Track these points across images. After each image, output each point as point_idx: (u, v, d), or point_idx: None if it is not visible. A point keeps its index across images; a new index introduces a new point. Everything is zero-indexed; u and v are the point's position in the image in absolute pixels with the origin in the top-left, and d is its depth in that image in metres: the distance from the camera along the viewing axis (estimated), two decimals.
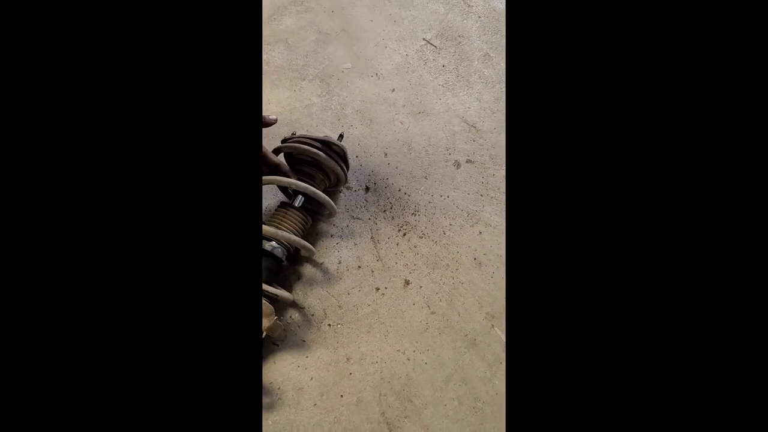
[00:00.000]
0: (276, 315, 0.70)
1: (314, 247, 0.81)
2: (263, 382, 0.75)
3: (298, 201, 0.81)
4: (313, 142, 0.77)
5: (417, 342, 0.79)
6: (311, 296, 0.82)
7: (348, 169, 0.85)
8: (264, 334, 0.69)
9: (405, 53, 1.11)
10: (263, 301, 0.69)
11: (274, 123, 0.76)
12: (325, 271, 0.85)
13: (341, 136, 0.87)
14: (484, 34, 1.15)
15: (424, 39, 1.14)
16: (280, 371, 0.76)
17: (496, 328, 0.81)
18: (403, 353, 0.78)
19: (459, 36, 1.15)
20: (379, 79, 1.07)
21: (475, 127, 1.02)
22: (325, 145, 0.78)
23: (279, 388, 0.75)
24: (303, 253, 0.82)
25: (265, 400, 0.74)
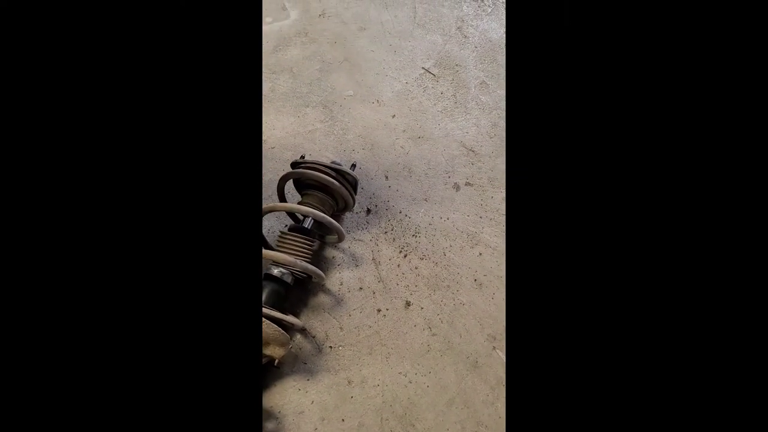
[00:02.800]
0: (291, 344, 0.70)
1: (317, 269, 0.82)
2: (264, 406, 0.74)
3: (308, 222, 0.82)
4: (328, 170, 0.79)
5: (418, 364, 0.79)
6: (313, 318, 0.83)
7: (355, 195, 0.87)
8: (276, 362, 0.69)
9: (405, 81, 1.16)
10: (280, 331, 0.68)
11: None
12: (327, 293, 0.85)
13: (354, 166, 0.90)
14: (481, 63, 1.20)
15: (423, 68, 1.19)
16: (280, 394, 0.75)
17: (497, 350, 0.81)
18: (405, 376, 0.78)
19: (456, 65, 1.20)
20: (380, 105, 1.11)
21: (473, 151, 1.05)
22: (340, 174, 0.80)
23: (279, 413, 0.74)
24: (315, 279, 0.82)
25: (266, 425, 0.73)
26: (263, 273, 0.78)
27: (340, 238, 0.84)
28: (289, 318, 0.72)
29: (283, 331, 0.69)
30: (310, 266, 0.75)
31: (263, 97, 1.10)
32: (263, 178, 0.96)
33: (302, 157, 0.84)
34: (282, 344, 0.68)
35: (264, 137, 1.04)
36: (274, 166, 0.99)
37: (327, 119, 1.08)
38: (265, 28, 1.25)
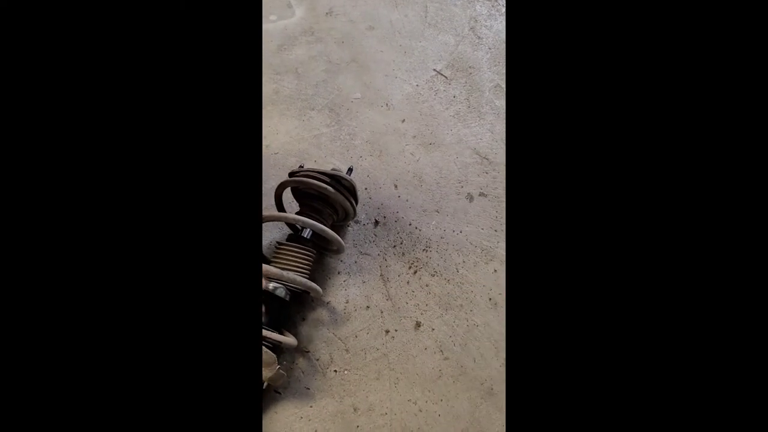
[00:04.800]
0: (278, 363, 0.65)
1: (321, 284, 0.76)
2: None
3: (306, 233, 0.77)
4: (322, 177, 0.74)
5: (429, 391, 0.73)
6: (316, 339, 0.77)
7: (357, 203, 0.82)
8: (265, 384, 0.64)
9: (415, 84, 1.10)
10: (264, 350, 0.64)
11: None
12: (332, 311, 0.80)
13: (350, 170, 0.84)
14: (495, 66, 1.14)
15: (434, 70, 1.13)
16: (281, 423, 0.70)
17: None
18: (415, 403, 0.72)
19: (470, 67, 1.14)
20: (389, 109, 1.06)
21: (487, 158, 0.99)
22: (334, 179, 0.75)
23: None
24: (312, 294, 0.77)
25: None
26: None
27: (340, 250, 0.78)
28: (275, 336, 0.66)
29: (267, 350, 0.64)
30: (304, 280, 0.70)
31: (266, 99, 1.05)
32: (265, 185, 0.91)
33: (301, 166, 0.78)
34: (267, 364, 0.63)
35: (267, 142, 0.98)
36: (276, 173, 0.93)
37: (333, 123, 1.02)
38: (269, 26, 1.19)
